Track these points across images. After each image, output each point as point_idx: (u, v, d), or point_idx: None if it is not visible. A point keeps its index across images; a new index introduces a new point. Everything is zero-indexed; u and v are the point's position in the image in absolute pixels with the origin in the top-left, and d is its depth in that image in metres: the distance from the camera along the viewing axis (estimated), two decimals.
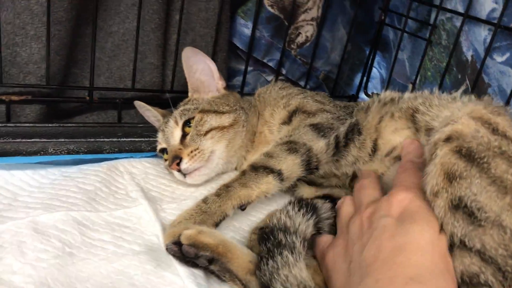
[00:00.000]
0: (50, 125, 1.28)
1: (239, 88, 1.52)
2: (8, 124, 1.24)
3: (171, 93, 1.44)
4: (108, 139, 1.33)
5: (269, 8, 1.48)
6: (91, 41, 1.27)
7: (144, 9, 1.32)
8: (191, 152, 1.17)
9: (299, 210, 0.94)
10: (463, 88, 1.15)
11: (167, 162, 1.23)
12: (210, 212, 1.00)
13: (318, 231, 0.98)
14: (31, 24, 1.23)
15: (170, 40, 1.42)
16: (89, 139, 1.31)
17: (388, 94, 1.18)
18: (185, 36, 1.42)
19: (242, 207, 1.02)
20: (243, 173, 1.04)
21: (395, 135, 1.08)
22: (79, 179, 1.15)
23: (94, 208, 1.06)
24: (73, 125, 1.31)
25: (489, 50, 1.27)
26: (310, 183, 1.19)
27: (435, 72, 1.49)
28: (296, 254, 0.86)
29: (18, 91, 1.28)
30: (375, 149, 1.10)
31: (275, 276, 0.83)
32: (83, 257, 0.91)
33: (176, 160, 1.16)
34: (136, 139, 1.36)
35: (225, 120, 1.22)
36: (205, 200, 1.02)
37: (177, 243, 0.90)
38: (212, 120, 1.21)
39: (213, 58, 1.43)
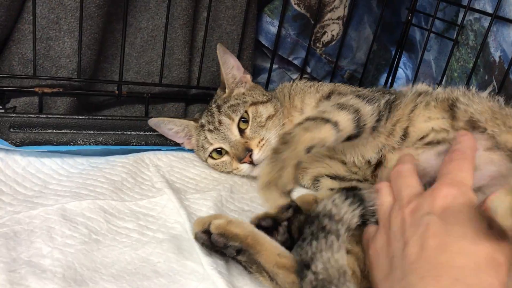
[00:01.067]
0: (80, 117, 1.32)
1: (263, 86, 1.54)
2: (40, 115, 1.28)
3: (197, 89, 1.47)
4: (135, 132, 1.37)
5: (296, 7, 1.49)
6: (121, 36, 1.30)
7: (173, 6, 1.35)
8: (259, 142, 1.21)
9: (345, 199, 0.93)
10: (490, 89, 1.15)
11: (220, 160, 1.26)
12: (284, 159, 0.91)
13: (364, 221, 0.96)
14: (65, 19, 1.27)
15: (197, 37, 1.44)
16: (117, 132, 1.35)
17: (423, 85, 1.20)
18: (212, 33, 1.44)
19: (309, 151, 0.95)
20: (300, 123, 1.00)
21: (428, 123, 1.08)
22: (106, 169, 1.19)
23: (120, 198, 1.09)
24: (102, 117, 1.35)
25: None
26: (334, 177, 1.20)
27: (462, 73, 1.48)
28: (341, 241, 0.86)
29: (51, 84, 1.32)
30: (404, 136, 1.10)
31: (318, 256, 0.83)
32: (108, 243, 0.95)
33: (249, 152, 1.19)
34: None
35: (271, 108, 1.26)
36: (275, 150, 0.93)
37: (207, 232, 0.91)
38: (264, 110, 1.25)
39: (239, 55, 1.45)
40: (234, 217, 1.11)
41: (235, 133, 1.23)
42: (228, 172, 1.28)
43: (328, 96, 1.23)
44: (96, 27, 1.30)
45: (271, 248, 0.90)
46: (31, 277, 0.81)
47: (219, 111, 1.25)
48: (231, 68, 1.30)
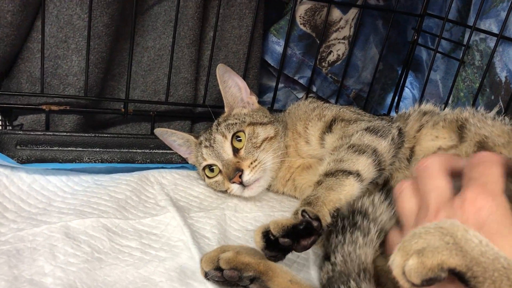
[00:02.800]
0: (86, 134, 1.33)
1: (269, 104, 1.54)
2: (47, 133, 1.29)
3: (203, 107, 1.48)
4: (141, 150, 1.37)
5: (301, 27, 1.50)
6: (128, 55, 1.32)
7: (180, 26, 1.36)
8: (251, 163, 1.20)
9: (385, 199, 0.90)
10: (496, 109, 1.15)
11: (214, 179, 1.25)
12: None
13: None
14: (73, 38, 1.29)
15: (203, 56, 1.45)
16: (122, 150, 1.36)
17: (428, 105, 1.20)
18: (218, 52, 1.45)
19: (334, 215, 0.92)
20: (319, 182, 0.99)
21: (435, 142, 1.08)
22: (111, 187, 1.19)
23: (124, 216, 1.09)
24: (108, 135, 1.36)
25: None
26: None
27: (468, 93, 1.47)
28: (368, 239, 0.83)
29: (58, 101, 1.33)
30: (411, 156, 1.09)
31: (339, 248, 0.82)
32: (110, 262, 0.94)
33: (238, 172, 1.18)
34: (168, 151, 1.39)
35: (270, 130, 1.26)
36: (296, 213, 0.90)
37: (219, 269, 0.89)
38: (262, 132, 1.25)
39: (245, 74, 1.46)
40: (238, 236, 1.12)
41: (228, 152, 1.23)
42: (224, 192, 1.27)
43: (329, 126, 1.20)
44: (103, 46, 1.32)
45: (282, 274, 0.89)
46: None
47: (216, 129, 1.27)
48: (230, 87, 1.31)
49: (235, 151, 1.22)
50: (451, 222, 0.67)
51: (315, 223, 0.86)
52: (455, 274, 0.62)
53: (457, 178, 0.80)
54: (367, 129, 1.10)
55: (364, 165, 1.00)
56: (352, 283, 0.78)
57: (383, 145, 1.05)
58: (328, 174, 0.99)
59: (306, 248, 0.86)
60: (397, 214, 0.86)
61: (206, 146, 1.26)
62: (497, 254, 0.63)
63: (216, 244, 1.05)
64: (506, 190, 0.79)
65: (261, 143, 1.23)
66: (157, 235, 1.06)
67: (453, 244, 0.63)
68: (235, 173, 1.18)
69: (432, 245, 0.63)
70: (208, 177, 1.27)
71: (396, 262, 0.64)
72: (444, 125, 1.09)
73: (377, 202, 0.90)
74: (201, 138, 1.30)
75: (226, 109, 1.32)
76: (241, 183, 1.19)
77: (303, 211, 0.88)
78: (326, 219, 0.89)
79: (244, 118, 1.28)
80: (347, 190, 0.95)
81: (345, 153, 1.03)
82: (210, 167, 1.26)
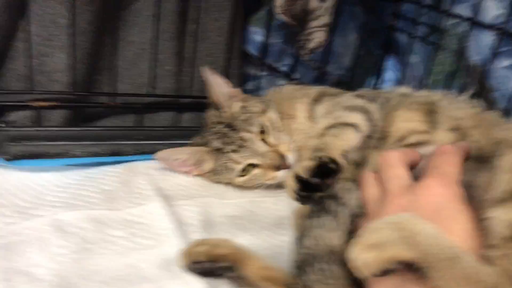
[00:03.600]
0: (75, 128, 1.38)
1: (253, 93, 1.59)
2: (38, 128, 1.34)
3: (188, 98, 1.52)
4: (129, 142, 1.42)
5: (281, 16, 1.54)
6: (113, 50, 1.36)
7: (161, 20, 1.40)
8: (288, 147, 1.23)
9: (356, 188, 0.94)
10: (470, 92, 1.19)
11: (248, 176, 1.25)
12: None
13: None
14: (57, 36, 1.32)
15: (185, 48, 1.49)
16: (111, 142, 1.40)
17: (405, 88, 1.25)
18: (200, 44, 1.49)
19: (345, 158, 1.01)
20: (322, 134, 1.06)
21: (407, 124, 1.11)
22: (100, 180, 1.24)
23: (112, 207, 1.14)
24: (97, 129, 1.41)
25: (494, 55, 1.29)
26: None
27: (444, 77, 1.51)
28: (337, 222, 0.87)
29: (46, 98, 1.38)
30: (383, 137, 1.12)
31: (309, 232, 0.87)
32: (99, 252, 1.00)
33: (283, 159, 1.21)
34: (155, 142, 1.43)
35: (275, 112, 1.29)
36: (313, 158, 0.98)
37: (197, 262, 0.94)
38: (274, 116, 1.27)
39: (227, 64, 1.50)
40: (223, 222, 1.17)
41: (260, 145, 1.23)
42: (257, 185, 1.27)
43: (318, 99, 1.27)
44: (87, 42, 1.36)
45: (255, 262, 0.93)
46: (25, 286, 0.86)
47: (234, 130, 1.24)
48: (221, 87, 1.31)
49: (264, 141, 1.24)
50: (406, 215, 0.72)
51: (332, 165, 0.96)
52: (409, 265, 0.68)
53: (415, 170, 0.87)
54: (356, 96, 1.19)
55: (360, 119, 1.08)
56: (324, 265, 0.83)
57: (373, 108, 1.12)
58: (328, 127, 1.07)
59: (330, 186, 0.95)
60: (362, 202, 0.93)
61: (234, 150, 1.23)
62: (449, 244, 0.68)
63: (201, 231, 1.10)
64: (467, 175, 0.86)
65: (280, 126, 1.26)
66: (144, 224, 1.11)
67: (407, 237, 0.68)
68: (282, 161, 1.21)
69: (385, 239, 0.69)
70: (239, 176, 1.26)
71: (353, 255, 0.70)
72: (417, 107, 1.12)
73: (350, 188, 0.95)
74: (215, 144, 1.26)
75: (226, 109, 1.30)
76: (287, 167, 1.21)
77: (319, 157, 0.97)
78: (340, 160, 0.99)
79: (250, 109, 1.28)
80: (351, 138, 1.04)
81: (341, 112, 1.11)
82: (245, 170, 1.25)
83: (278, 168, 1.22)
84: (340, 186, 0.96)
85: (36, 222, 1.04)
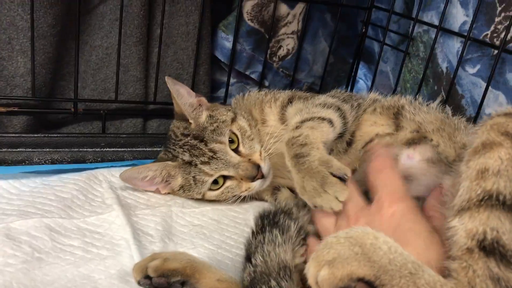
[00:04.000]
0: (35, 135, 1.33)
1: (222, 100, 1.56)
2: None
3: (155, 104, 1.49)
4: (92, 149, 1.38)
5: (249, 22, 1.52)
6: (75, 54, 1.32)
7: (126, 24, 1.37)
8: (260, 155, 1.19)
9: (305, 205, 0.93)
10: (439, 99, 1.18)
11: (221, 189, 1.20)
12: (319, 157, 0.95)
13: None
14: (17, 39, 1.28)
15: (152, 54, 1.46)
16: (73, 149, 1.36)
17: (375, 94, 1.23)
18: (166, 50, 1.46)
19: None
20: (297, 127, 1.04)
21: (373, 128, 1.11)
22: (58, 187, 1.20)
23: (68, 215, 1.10)
24: (58, 135, 1.36)
25: (460, 61, 1.29)
26: (293, 190, 1.22)
27: (414, 84, 1.51)
28: (287, 236, 0.86)
29: (6, 103, 1.33)
30: (351, 141, 1.12)
31: (259, 249, 0.85)
32: (51, 261, 0.96)
33: (258, 169, 1.17)
34: (119, 149, 1.40)
35: (244, 120, 1.25)
36: (299, 155, 0.96)
37: (148, 277, 0.90)
38: (244, 124, 1.23)
39: (195, 71, 1.48)
40: (183, 232, 1.14)
41: (233, 155, 1.18)
42: (233, 198, 1.21)
43: (289, 101, 1.24)
44: (49, 46, 1.32)
45: (210, 275, 0.90)
46: None
47: (202, 141, 1.18)
48: (185, 97, 1.23)
49: (235, 151, 1.19)
50: (362, 230, 0.70)
51: None
52: (365, 283, 0.66)
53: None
54: (329, 96, 1.20)
55: (333, 116, 1.07)
56: (273, 282, 0.81)
57: (346, 107, 1.12)
58: (303, 121, 1.05)
59: None
60: (316, 229, 0.92)
61: (204, 162, 1.17)
62: (405, 260, 0.66)
63: (159, 241, 1.07)
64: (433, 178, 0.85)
65: (251, 133, 1.22)
66: (100, 233, 1.08)
67: (361, 254, 0.67)
68: (257, 170, 1.17)
69: (341, 256, 0.67)
70: (212, 190, 1.21)
71: (310, 272, 0.68)
72: (382, 112, 1.12)
73: (301, 204, 0.94)
74: (184, 158, 1.20)
75: (191, 121, 1.22)
76: (262, 176, 1.18)
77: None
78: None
79: (218, 118, 1.23)
80: (327, 131, 1.02)
81: (315, 109, 1.10)
82: (216, 181, 1.20)
83: (253, 178, 1.17)
84: (293, 203, 0.94)
85: None
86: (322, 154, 0.94)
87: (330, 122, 1.05)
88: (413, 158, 1.01)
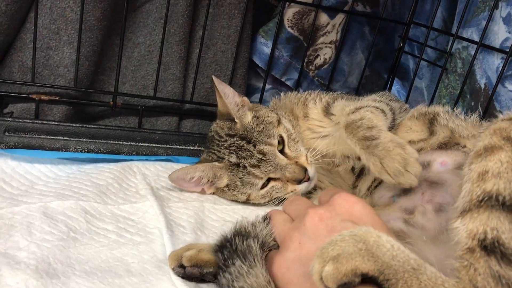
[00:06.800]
0: (73, 125, 1.36)
1: None
2: (35, 121, 1.32)
3: (191, 104, 1.51)
4: (127, 143, 1.40)
5: (289, 29, 1.54)
6: (119, 50, 1.36)
7: (170, 23, 1.40)
8: (306, 158, 1.20)
9: (263, 220, 0.91)
10: (475, 115, 1.18)
11: (265, 189, 1.19)
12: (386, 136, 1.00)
13: None
14: (65, 30, 1.33)
15: (192, 54, 1.49)
16: (108, 141, 1.38)
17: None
18: (206, 51, 1.49)
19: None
20: (354, 112, 1.08)
21: (408, 134, 1.13)
22: (93, 174, 1.22)
23: (103, 201, 1.12)
24: (95, 126, 1.38)
25: (500, 77, 1.29)
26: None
27: (450, 99, 1.51)
28: (251, 259, 0.82)
29: (48, 91, 1.37)
30: None
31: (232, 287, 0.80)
32: (85, 242, 0.97)
33: (305, 171, 1.17)
34: (153, 145, 1.42)
35: (287, 123, 1.25)
36: (368, 138, 1.00)
37: (182, 266, 0.91)
38: (288, 125, 1.24)
39: (233, 73, 1.50)
40: (215, 226, 1.14)
41: (282, 158, 1.18)
42: (276, 199, 1.21)
43: (336, 98, 1.25)
44: (95, 39, 1.36)
45: None
46: (5, 267, 0.83)
47: (250, 142, 1.18)
48: (230, 96, 1.23)
49: (281, 153, 1.19)
50: (365, 229, 0.71)
51: None
52: (369, 278, 0.67)
53: None
54: (376, 95, 1.25)
55: (385, 108, 1.14)
56: None
57: (395, 105, 1.19)
58: (358, 108, 1.10)
59: None
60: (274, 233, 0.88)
61: (253, 165, 1.17)
62: (408, 257, 0.68)
63: (191, 233, 1.08)
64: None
65: (296, 135, 1.22)
66: (134, 221, 1.09)
67: (365, 250, 0.68)
68: (305, 173, 1.17)
69: (346, 252, 0.68)
70: (260, 188, 1.20)
71: (315, 269, 0.68)
72: (418, 117, 1.14)
73: (256, 222, 0.90)
74: (230, 159, 1.20)
75: (237, 121, 1.22)
76: (308, 179, 1.18)
77: None
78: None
79: (264, 120, 1.22)
80: (382, 118, 1.08)
81: (365, 101, 1.16)
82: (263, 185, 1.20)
83: (299, 181, 1.17)
84: (246, 223, 0.90)
85: (23, 208, 1.02)
86: (393, 136, 0.98)
87: (383, 112, 1.09)
88: (447, 165, 1.01)
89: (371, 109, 1.08)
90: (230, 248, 0.85)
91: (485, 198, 0.71)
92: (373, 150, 0.97)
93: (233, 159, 1.19)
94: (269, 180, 1.20)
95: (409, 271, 0.66)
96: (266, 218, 0.91)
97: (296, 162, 1.18)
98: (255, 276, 0.79)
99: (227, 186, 1.23)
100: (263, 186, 1.20)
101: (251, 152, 1.17)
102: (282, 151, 1.19)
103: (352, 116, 1.05)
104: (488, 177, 0.72)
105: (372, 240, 0.69)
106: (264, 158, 1.17)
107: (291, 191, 1.19)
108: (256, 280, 0.79)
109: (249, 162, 1.17)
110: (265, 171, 1.17)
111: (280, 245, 0.85)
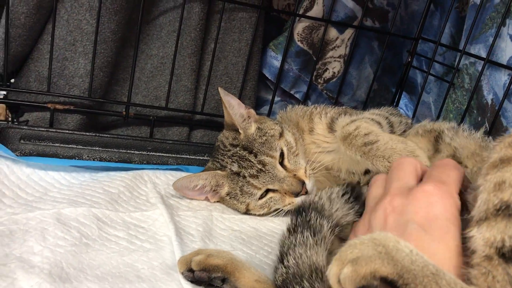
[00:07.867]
0: (86, 133, 1.39)
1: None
2: (50, 130, 1.36)
3: (201, 115, 1.54)
4: (139, 152, 1.43)
5: (299, 43, 1.57)
6: (133, 61, 1.39)
7: (183, 36, 1.44)
8: (305, 171, 1.21)
9: (343, 194, 0.94)
10: (482, 130, 1.19)
11: (264, 199, 1.21)
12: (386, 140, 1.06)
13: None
14: (80, 42, 1.37)
15: (204, 66, 1.53)
16: (121, 150, 1.42)
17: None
18: (218, 63, 1.52)
19: None
20: (348, 124, 1.13)
21: None
22: (105, 182, 1.25)
23: (115, 208, 1.15)
24: (108, 135, 1.42)
25: (506, 94, 1.30)
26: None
27: (457, 114, 1.52)
28: (319, 237, 0.86)
29: (63, 101, 1.41)
30: None
31: (290, 250, 0.85)
32: (97, 248, 1.00)
33: (302, 185, 1.19)
34: (164, 154, 1.45)
35: (289, 136, 1.26)
36: (367, 143, 1.05)
37: (191, 270, 0.94)
38: (290, 138, 1.25)
39: (243, 86, 1.53)
40: (222, 235, 1.16)
41: (280, 170, 1.20)
42: (275, 211, 1.23)
43: (340, 115, 1.26)
44: (109, 51, 1.40)
45: (249, 275, 0.92)
46: (19, 271, 0.86)
47: (252, 152, 1.21)
48: (235, 107, 1.26)
49: (281, 165, 1.21)
50: (384, 234, 0.71)
51: None
52: (387, 282, 0.67)
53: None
54: (379, 109, 1.28)
55: (382, 121, 1.18)
56: (306, 284, 0.81)
57: (394, 119, 1.22)
58: (353, 120, 1.15)
59: None
60: (366, 201, 0.93)
61: (253, 175, 1.20)
62: (426, 262, 0.67)
63: (200, 241, 1.10)
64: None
65: (296, 149, 1.24)
66: (144, 228, 1.11)
67: (385, 253, 0.68)
68: (302, 186, 1.18)
69: (365, 254, 0.68)
70: (258, 198, 1.23)
71: (332, 272, 0.68)
72: (423, 134, 1.15)
73: (335, 197, 0.94)
74: (232, 168, 1.23)
75: (241, 131, 1.25)
76: (306, 193, 1.19)
77: None
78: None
79: (267, 132, 1.25)
80: (376, 129, 1.12)
81: (364, 114, 1.21)
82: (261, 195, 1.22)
83: (297, 194, 1.19)
84: (326, 195, 0.94)
85: (37, 214, 1.04)
86: (391, 135, 1.04)
87: (379, 124, 1.12)
88: None
89: (365, 120, 1.12)
90: (304, 218, 0.90)
91: (503, 207, 0.70)
92: (376, 152, 1.00)
93: (235, 168, 1.22)
94: (267, 191, 1.22)
95: (428, 276, 0.65)
96: (346, 192, 0.94)
97: (295, 175, 1.20)
98: (316, 253, 0.83)
99: (228, 194, 1.26)
100: (261, 197, 1.22)
101: (252, 162, 1.20)
102: (281, 163, 1.22)
103: (347, 128, 1.09)
104: (505, 187, 0.72)
105: (391, 244, 0.69)
106: (264, 169, 1.19)
107: (289, 203, 1.21)
108: (315, 256, 0.82)
109: (249, 172, 1.20)
110: (263, 182, 1.20)
111: (363, 215, 0.90)
